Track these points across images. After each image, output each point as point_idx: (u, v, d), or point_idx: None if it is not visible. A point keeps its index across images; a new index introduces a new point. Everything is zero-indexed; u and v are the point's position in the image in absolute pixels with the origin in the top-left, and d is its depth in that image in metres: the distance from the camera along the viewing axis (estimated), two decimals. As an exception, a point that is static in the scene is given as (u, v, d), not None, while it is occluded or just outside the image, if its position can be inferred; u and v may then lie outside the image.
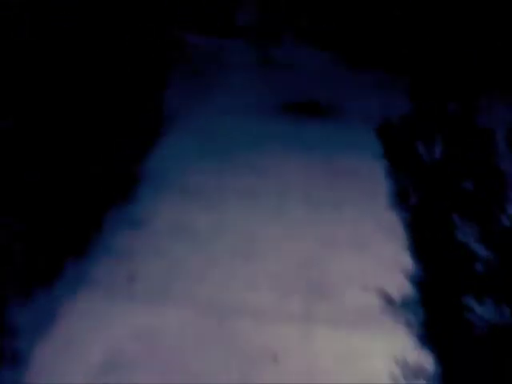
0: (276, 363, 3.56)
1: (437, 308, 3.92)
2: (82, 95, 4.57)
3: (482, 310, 3.38)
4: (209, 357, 3.57)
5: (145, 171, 5.30)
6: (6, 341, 3.50)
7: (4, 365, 3.38)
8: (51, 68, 4.30)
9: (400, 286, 4.16)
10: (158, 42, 6.43)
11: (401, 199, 5.06)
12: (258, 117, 6.40)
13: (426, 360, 3.62)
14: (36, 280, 3.91)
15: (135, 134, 5.44)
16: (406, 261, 4.41)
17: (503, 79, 5.28)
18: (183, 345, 3.65)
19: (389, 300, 4.03)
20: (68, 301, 3.88)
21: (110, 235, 4.48)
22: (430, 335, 3.76)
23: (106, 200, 4.73)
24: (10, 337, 3.53)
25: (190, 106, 6.49)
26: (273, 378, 3.46)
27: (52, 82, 4.32)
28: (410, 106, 6.09)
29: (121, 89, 5.19)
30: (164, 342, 3.65)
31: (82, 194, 4.45)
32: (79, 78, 4.59)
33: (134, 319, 3.79)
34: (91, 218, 4.51)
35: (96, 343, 3.60)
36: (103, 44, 5.03)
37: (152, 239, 4.50)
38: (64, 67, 4.43)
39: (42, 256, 4.00)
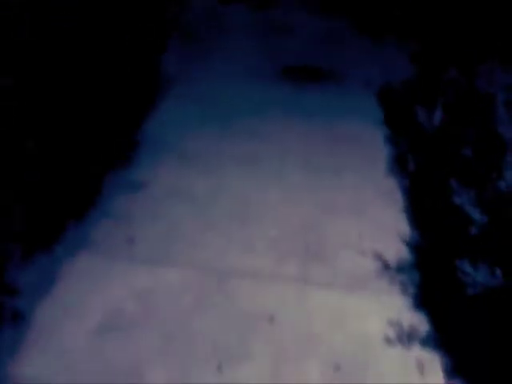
0: (272, 324, 3.61)
1: (432, 271, 3.96)
2: (80, 58, 4.55)
3: (476, 273, 3.41)
4: (207, 318, 3.63)
5: (144, 136, 5.29)
6: (7, 301, 3.56)
7: (4, 324, 3.45)
8: (53, 36, 4.28)
9: (397, 250, 4.20)
10: (156, 6, 6.36)
11: (400, 165, 5.06)
12: (258, 82, 6.35)
13: (420, 322, 3.67)
14: (37, 242, 3.96)
15: (134, 98, 5.42)
16: (404, 226, 4.44)
17: (503, 45, 5.23)
18: (181, 306, 3.70)
19: (385, 264, 4.07)
20: (68, 263, 3.93)
21: (109, 199, 4.51)
22: (424, 298, 3.80)
23: (105, 164, 4.75)
24: (11, 297, 3.59)
25: (189, 70, 6.44)
26: (269, 338, 3.52)
27: (53, 47, 4.30)
28: (412, 71, 6.03)
29: (119, 52, 5.16)
30: (163, 304, 3.71)
31: (81, 158, 4.46)
32: (78, 41, 4.57)
33: (132, 281, 3.84)
34: (91, 182, 4.54)
35: (95, 304, 3.66)
36: (101, 6, 4.99)
37: (150, 203, 4.52)
38: (65, 33, 4.41)
39: (42, 219, 4.04)
